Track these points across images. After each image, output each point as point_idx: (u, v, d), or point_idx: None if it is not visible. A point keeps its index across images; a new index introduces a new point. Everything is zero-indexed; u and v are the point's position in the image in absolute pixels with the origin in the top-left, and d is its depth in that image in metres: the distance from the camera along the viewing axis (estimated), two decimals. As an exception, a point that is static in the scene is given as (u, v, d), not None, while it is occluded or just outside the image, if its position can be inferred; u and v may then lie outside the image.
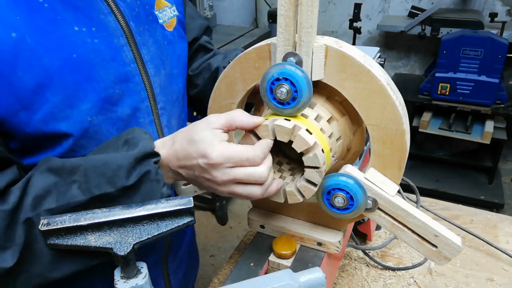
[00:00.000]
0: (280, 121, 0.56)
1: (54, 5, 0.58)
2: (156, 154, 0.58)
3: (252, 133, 0.59)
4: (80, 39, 0.60)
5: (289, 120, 0.57)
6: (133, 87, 0.67)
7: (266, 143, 0.58)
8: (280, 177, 0.64)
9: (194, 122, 0.60)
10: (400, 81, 3.06)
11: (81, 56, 0.60)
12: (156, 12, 0.74)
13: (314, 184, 0.58)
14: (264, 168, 0.57)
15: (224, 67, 0.84)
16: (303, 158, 0.56)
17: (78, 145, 0.61)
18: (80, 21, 0.60)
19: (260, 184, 0.57)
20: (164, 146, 0.60)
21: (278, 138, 0.57)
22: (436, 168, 2.99)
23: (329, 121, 0.62)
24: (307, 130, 0.56)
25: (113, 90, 0.64)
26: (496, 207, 2.68)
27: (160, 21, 0.75)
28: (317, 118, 0.61)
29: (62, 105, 0.58)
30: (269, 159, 0.59)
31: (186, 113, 0.87)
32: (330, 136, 0.61)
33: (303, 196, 0.60)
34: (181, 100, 0.81)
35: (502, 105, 2.61)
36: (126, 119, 0.66)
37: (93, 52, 0.61)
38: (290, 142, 0.57)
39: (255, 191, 0.58)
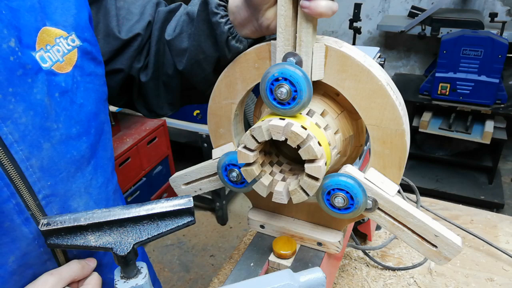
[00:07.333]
0: (274, 120, 0.56)
1: None
2: None
3: (251, 136, 0.58)
4: None
5: (284, 119, 0.56)
6: None
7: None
8: (283, 178, 0.64)
9: None
10: (400, 81, 3.06)
11: None
12: (38, 54, 0.53)
13: (316, 179, 0.57)
14: None
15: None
16: (299, 152, 0.56)
17: None
18: None
19: None
20: None
21: (274, 138, 0.57)
22: (436, 168, 3.00)
23: (322, 114, 0.62)
24: (302, 126, 0.55)
25: None
26: (496, 207, 2.68)
27: (46, 65, 0.54)
28: (310, 113, 0.60)
29: None
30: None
31: (107, 174, 0.68)
32: (325, 129, 0.61)
33: (307, 193, 0.59)
34: (88, 165, 0.61)
35: (502, 105, 2.62)
36: None
37: None
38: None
39: None
